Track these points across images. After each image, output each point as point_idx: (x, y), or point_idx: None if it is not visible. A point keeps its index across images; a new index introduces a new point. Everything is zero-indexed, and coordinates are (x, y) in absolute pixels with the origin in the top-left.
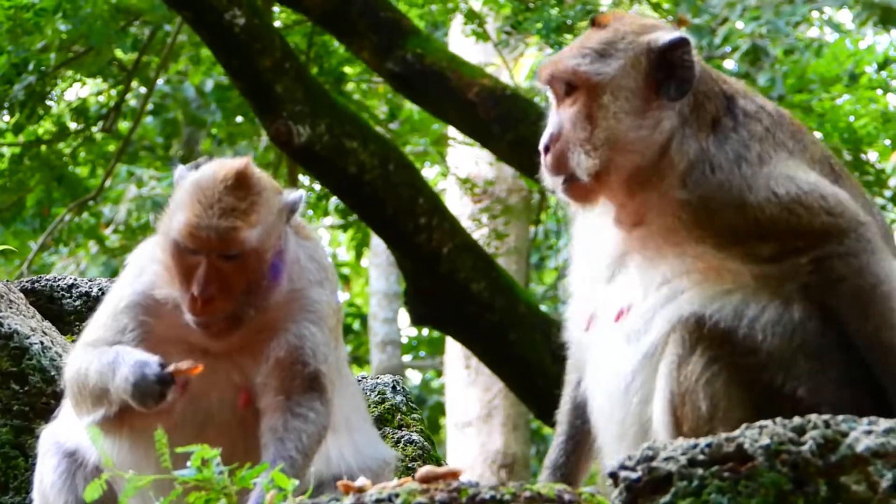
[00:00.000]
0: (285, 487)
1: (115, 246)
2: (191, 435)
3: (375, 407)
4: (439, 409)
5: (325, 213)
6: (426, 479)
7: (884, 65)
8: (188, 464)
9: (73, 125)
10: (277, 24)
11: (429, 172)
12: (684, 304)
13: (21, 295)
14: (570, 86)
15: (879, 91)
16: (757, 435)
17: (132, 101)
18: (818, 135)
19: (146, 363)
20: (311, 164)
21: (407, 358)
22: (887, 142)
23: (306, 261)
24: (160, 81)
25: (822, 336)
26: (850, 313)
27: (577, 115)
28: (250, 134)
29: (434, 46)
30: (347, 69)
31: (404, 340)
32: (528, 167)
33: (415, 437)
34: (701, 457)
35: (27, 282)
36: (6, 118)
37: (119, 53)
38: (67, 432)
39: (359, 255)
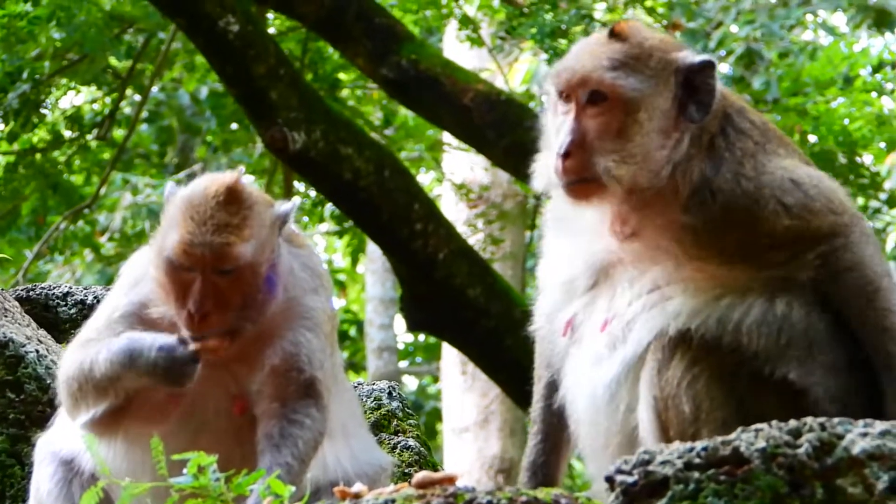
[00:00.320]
0: (282, 494)
1: (110, 254)
2: (186, 443)
3: (372, 413)
4: (436, 415)
5: (321, 220)
6: (423, 485)
7: (878, 68)
8: (184, 471)
9: (67, 133)
10: (272, 30)
11: (424, 178)
12: (669, 317)
13: (16, 303)
14: (598, 95)
15: (874, 94)
16: (753, 438)
17: (127, 109)
18: (813, 138)
19: (172, 346)
20: (306, 171)
21: (403, 364)
22: (882, 144)
23: (300, 269)
24: (155, 89)
25: (808, 324)
26: (855, 302)
27: (608, 127)
28: (245, 141)
29: (428, 52)
30: (342, 75)
31: (400, 346)
32: (523, 172)
33: (411, 442)
34: (697, 460)
35: (22, 290)
36: (0, 126)
37: (113, 61)
38: (63, 440)
39: (354, 262)
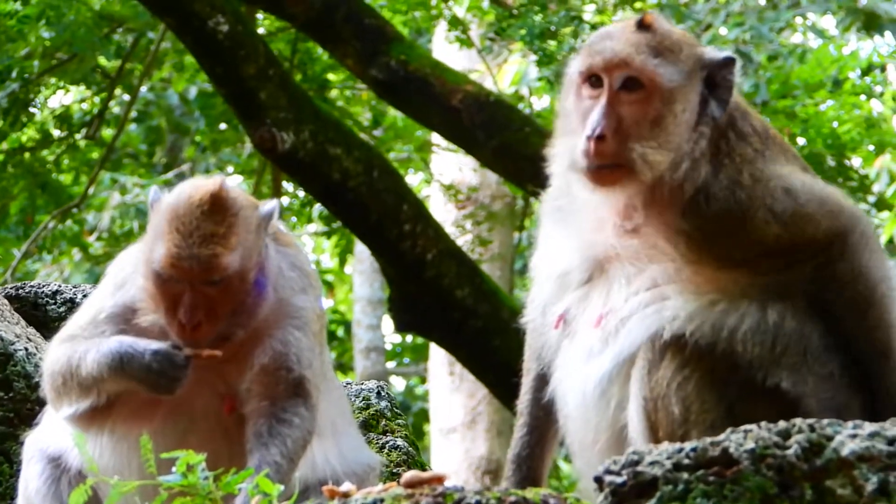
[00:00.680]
0: (270, 492)
1: (98, 253)
2: (174, 442)
3: (360, 412)
4: (423, 416)
5: (309, 220)
6: (411, 484)
7: (867, 70)
8: (173, 469)
9: (56, 132)
10: (261, 30)
11: (413, 179)
12: (665, 319)
13: (5, 301)
14: (634, 82)
15: (863, 97)
16: (742, 439)
17: (116, 109)
18: (802, 141)
19: (168, 352)
20: (294, 171)
21: (391, 364)
22: (871, 147)
23: (289, 269)
24: (144, 89)
25: (804, 333)
26: (850, 314)
27: (645, 114)
28: (234, 141)
29: (418, 53)
30: (331, 76)
31: (388, 347)
32: (512, 173)
33: (399, 442)
34: (686, 461)
35: (11, 288)
36: None
37: (102, 61)
38: (52, 438)
39: (343, 262)
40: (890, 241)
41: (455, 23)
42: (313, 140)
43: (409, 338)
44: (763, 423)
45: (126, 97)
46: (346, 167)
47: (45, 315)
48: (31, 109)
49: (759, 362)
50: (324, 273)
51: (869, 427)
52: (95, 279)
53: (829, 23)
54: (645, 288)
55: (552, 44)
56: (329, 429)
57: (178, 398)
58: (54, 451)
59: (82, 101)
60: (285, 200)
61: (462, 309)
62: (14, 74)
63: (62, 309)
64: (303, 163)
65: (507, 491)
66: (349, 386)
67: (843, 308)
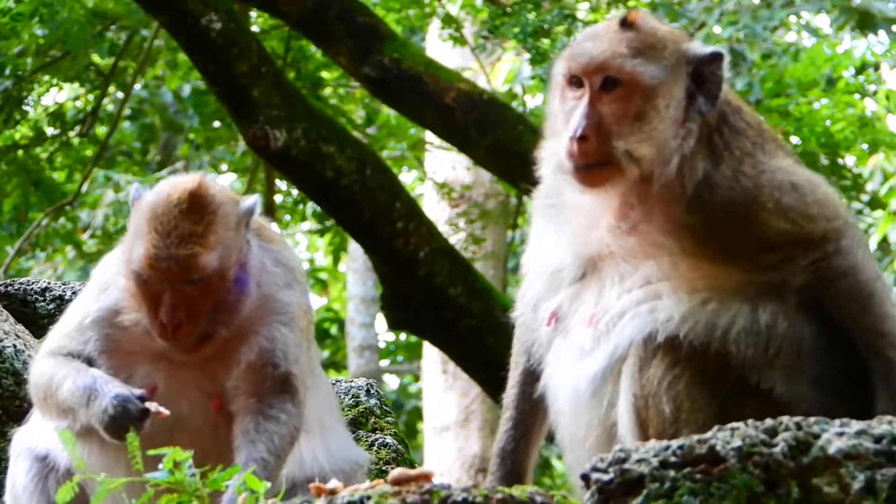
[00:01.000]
0: (257, 489)
1: (92, 251)
2: (162, 440)
3: (349, 410)
4: (417, 414)
5: (303, 218)
6: (399, 482)
7: (861, 69)
8: (160, 466)
9: (49, 130)
10: (254, 28)
11: (406, 177)
12: (658, 318)
13: None
14: (613, 81)
15: (857, 95)
16: (729, 437)
17: (109, 106)
18: (795, 139)
19: (128, 398)
20: (287, 169)
21: (384, 363)
22: (864, 146)
23: (273, 265)
24: (137, 86)
25: (797, 333)
26: (850, 308)
27: (625, 112)
28: (227, 139)
29: (411, 51)
30: (324, 74)
31: (382, 345)
32: (505, 172)
33: (389, 440)
34: (673, 459)
35: (1, 285)
36: None
37: (96, 58)
38: (39, 436)
39: (336, 260)
40: (884, 239)
41: (448, 21)
42: (306, 138)
43: (402, 336)
44: (750, 421)
45: (119, 95)
46: (338, 165)
47: (34, 312)
48: (25, 107)
49: (751, 363)
50: (317, 271)
51: (856, 425)
52: (88, 277)
53: (822, 21)
54: (638, 286)
55: (545, 42)
56: (317, 425)
57: (166, 396)
58: (42, 448)
59: (76, 98)
60: (279, 198)
61: (455, 307)
62: (7, 72)
63: (51, 306)
64: (296, 161)
65: (494, 488)
66: (338, 383)
67: (843, 302)
